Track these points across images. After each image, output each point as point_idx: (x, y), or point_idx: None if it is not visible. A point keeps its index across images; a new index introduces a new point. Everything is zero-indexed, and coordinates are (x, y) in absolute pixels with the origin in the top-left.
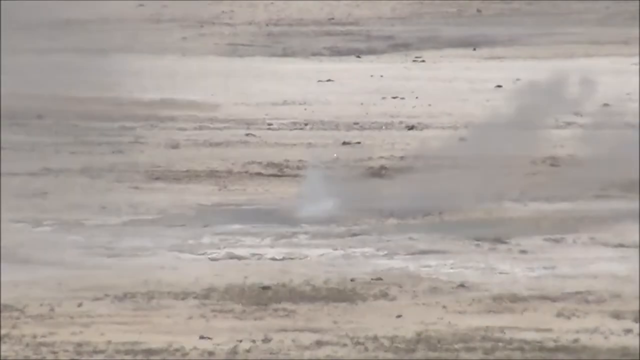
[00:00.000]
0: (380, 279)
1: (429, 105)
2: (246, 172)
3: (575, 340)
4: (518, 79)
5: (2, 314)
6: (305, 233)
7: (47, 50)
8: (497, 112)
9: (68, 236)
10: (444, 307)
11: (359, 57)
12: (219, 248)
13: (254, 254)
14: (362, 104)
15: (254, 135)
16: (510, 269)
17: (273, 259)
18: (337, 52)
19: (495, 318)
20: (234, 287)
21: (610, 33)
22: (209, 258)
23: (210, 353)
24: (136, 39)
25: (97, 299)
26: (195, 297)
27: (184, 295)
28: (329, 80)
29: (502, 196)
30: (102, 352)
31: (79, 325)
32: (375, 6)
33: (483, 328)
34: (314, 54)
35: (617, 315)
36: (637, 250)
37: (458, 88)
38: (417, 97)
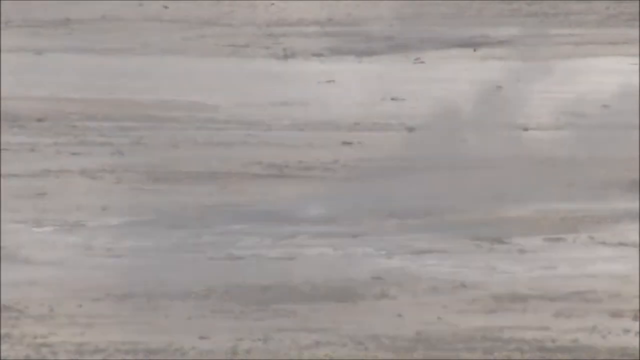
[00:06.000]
0: (380, 278)
1: (428, 106)
2: (246, 172)
3: (575, 340)
4: (518, 80)
5: (2, 314)
6: (305, 233)
7: (48, 50)
8: (497, 112)
9: (68, 237)
10: (444, 306)
11: (359, 58)
12: (219, 248)
13: (254, 254)
14: (362, 104)
15: (254, 136)
16: (510, 269)
17: (273, 259)
18: (337, 53)
19: (495, 318)
20: (234, 287)
21: (610, 33)
22: (209, 258)
23: (210, 353)
24: (136, 39)
25: (97, 299)
26: (194, 297)
27: (183, 295)
28: (328, 82)
29: (502, 196)
30: (102, 351)
31: (80, 325)
32: (375, 7)
33: (483, 328)
34: (314, 55)
35: (616, 315)
36: (637, 250)
37: (458, 89)
38: (416, 98)
